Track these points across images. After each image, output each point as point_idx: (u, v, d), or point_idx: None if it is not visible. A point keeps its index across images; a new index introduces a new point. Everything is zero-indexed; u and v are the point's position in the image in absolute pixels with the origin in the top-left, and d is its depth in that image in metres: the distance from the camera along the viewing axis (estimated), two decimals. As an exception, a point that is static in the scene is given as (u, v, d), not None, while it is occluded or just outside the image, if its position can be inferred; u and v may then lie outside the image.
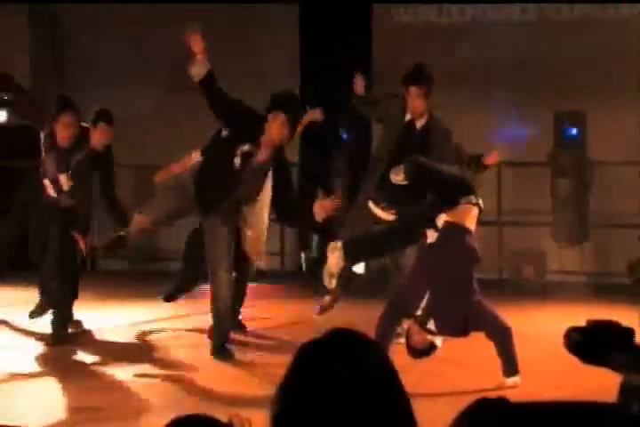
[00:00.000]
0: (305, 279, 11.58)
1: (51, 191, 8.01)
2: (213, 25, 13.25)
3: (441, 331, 6.53)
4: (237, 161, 7.18)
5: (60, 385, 6.79)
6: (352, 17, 12.21)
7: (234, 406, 5.93)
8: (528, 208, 11.78)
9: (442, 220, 6.67)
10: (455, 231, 6.66)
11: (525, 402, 1.85)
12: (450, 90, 11.79)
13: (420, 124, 7.88)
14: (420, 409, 1.94)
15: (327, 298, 8.10)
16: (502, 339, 6.60)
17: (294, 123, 7.21)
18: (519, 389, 6.44)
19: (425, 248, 6.75)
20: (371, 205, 7.85)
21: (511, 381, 6.55)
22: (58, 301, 8.02)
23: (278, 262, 12.70)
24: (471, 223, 6.80)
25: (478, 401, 1.86)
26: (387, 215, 7.76)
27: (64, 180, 8.00)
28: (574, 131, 11.41)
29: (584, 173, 11.53)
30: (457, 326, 6.56)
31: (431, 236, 6.68)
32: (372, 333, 6.89)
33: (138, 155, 13.28)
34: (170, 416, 2.16)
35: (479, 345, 7.06)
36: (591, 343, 1.91)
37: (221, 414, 2.26)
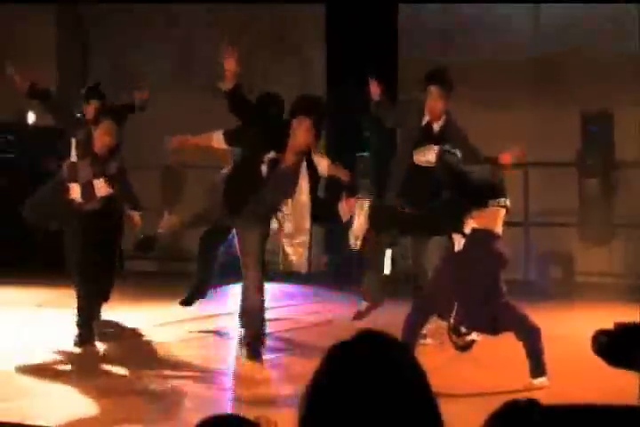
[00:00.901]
0: (331, 281, 11.58)
1: (76, 196, 8.04)
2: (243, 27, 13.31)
3: (471, 330, 6.60)
4: (264, 168, 7.20)
5: (83, 386, 6.80)
6: (378, 18, 12.20)
7: (260, 406, 5.94)
8: (555, 209, 11.74)
9: (469, 226, 6.64)
10: (483, 237, 6.64)
11: (555, 404, 1.85)
12: (474, 89, 11.77)
13: (437, 126, 7.85)
14: (448, 411, 1.93)
15: (364, 304, 8.11)
16: (531, 340, 6.58)
17: (319, 127, 7.21)
18: (544, 390, 6.42)
19: (452, 253, 6.73)
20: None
21: (538, 382, 6.53)
22: (80, 301, 8.05)
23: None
24: (499, 226, 6.77)
25: (509, 403, 1.85)
26: None
27: (101, 185, 8.05)
28: (598, 129, 11.35)
29: (611, 174, 11.47)
30: (486, 327, 6.59)
31: (458, 242, 6.66)
32: (397, 334, 6.88)
33: (162, 158, 13.30)
34: (196, 417, 2.17)
35: (505, 346, 7.03)
36: (618, 346, 1.90)
37: (248, 415, 2.26)
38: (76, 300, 8.05)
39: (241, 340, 7.66)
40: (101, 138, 8.02)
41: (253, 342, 7.35)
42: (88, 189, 8.04)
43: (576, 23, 11.88)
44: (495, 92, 11.90)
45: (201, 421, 2.11)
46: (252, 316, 7.40)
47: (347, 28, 12.27)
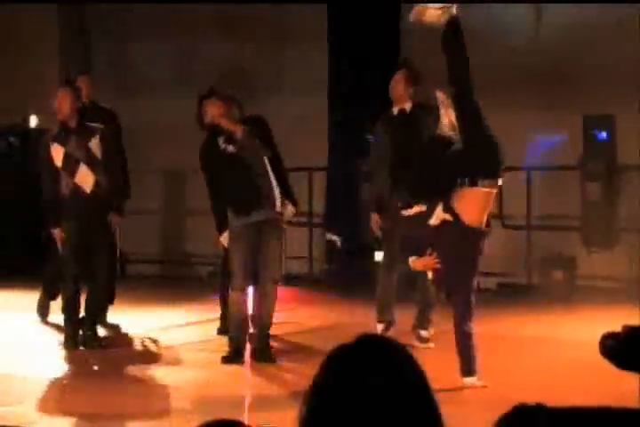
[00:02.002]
0: (332, 283, 11.58)
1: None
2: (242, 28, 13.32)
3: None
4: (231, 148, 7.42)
5: (85, 389, 6.79)
6: (381, 18, 12.19)
7: (262, 409, 5.93)
8: (557, 212, 11.73)
9: (439, 217, 6.42)
10: (455, 232, 6.43)
11: (563, 407, 1.84)
12: (477, 92, 11.75)
13: (407, 108, 7.96)
14: (449, 414, 1.92)
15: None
16: (463, 342, 6.54)
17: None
18: (546, 393, 6.40)
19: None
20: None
21: (467, 381, 6.49)
22: (64, 304, 8.07)
23: (306, 267, 12.71)
24: (483, 210, 6.48)
25: (516, 407, 1.85)
26: (418, 209, 7.79)
27: (85, 172, 7.97)
28: (604, 135, 11.34)
29: (614, 177, 11.46)
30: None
31: (436, 218, 6.44)
32: (400, 335, 6.87)
33: (169, 161, 13.33)
34: (195, 420, 2.15)
35: (507, 351, 7.02)
36: (626, 349, 1.89)
37: (247, 418, 2.25)
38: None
39: (252, 342, 7.64)
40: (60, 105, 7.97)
41: (267, 343, 7.39)
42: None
43: (578, 27, 11.87)
44: (497, 96, 11.88)
45: (201, 425, 2.10)
46: (268, 318, 7.41)
47: (349, 29, 12.26)
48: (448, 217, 6.37)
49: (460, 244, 6.39)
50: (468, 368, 6.48)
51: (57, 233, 7.98)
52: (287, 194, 7.70)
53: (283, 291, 9.95)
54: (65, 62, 14.04)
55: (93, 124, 8.08)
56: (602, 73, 11.59)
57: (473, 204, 6.40)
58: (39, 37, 13.72)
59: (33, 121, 13.43)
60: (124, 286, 10.04)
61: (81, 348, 7.95)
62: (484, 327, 8.53)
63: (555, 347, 7.68)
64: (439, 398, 1.88)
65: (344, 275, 11.86)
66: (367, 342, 1.89)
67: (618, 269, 11.47)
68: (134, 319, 9.20)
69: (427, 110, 7.63)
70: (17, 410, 6.14)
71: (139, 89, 13.69)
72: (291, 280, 11.55)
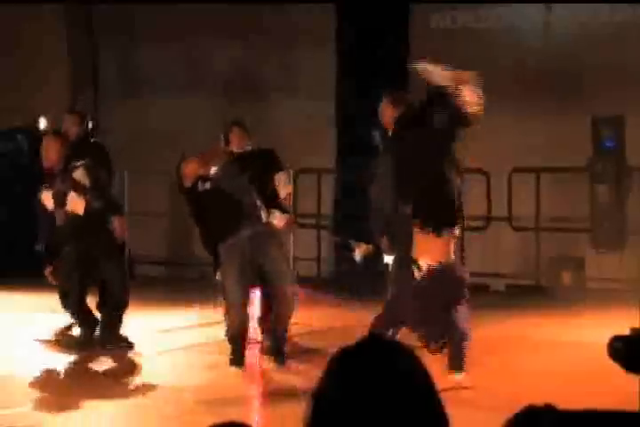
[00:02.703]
0: (340, 286, 11.56)
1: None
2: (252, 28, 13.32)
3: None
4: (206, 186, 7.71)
5: (84, 393, 6.78)
6: (389, 23, 12.18)
7: (269, 411, 5.92)
8: (566, 214, 11.70)
9: (423, 263, 6.60)
10: (441, 272, 6.59)
11: (572, 409, 1.84)
12: (485, 95, 11.74)
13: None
14: (456, 416, 1.91)
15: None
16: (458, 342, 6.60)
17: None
18: (554, 395, 6.38)
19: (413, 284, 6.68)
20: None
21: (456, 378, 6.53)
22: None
23: (315, 268, 12.71)
24: (447, 254, 6.66)
25: (526, 408, 1.84)
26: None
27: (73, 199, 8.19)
28: (611, 142, 11.32)
29: (622, 180, 11.43)
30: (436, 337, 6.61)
31: (417, 274, 6.64)
32: (401, 336, 6.86)
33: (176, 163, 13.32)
34: (204, 422, 2.14)
35: (513, 353, 7.01)
36: (634, 351, 1.88)
37: (255, 420, 2.24)
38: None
39: (268, 345, 7.65)
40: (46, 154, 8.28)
41: (282, 344, 7.42)
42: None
43: (588, 28, 11.85)
44: (506, 98, 11.86)
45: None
46: (286, 319, 7.52)
47: (357, 30, 12.25)
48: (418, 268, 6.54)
49: (440, 285, 6.51)
50: (457, 365, 6.50)
51: (47, 272, 8.35)
52: (275, 206, 7.85)
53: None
54: (73, 63, 14.06)
55: (77, 163, 8.26)
56: (611, 74, 11.57)
57: (434, 249, 6.62)
58: (47, 38, 13.74)
59: (42, 122, 13.45)
60: (131, 287, 10.03)
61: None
62: (493, 328, 8.53)
63: (562, 348, 7.66)
64: (445, 398, 1.87)
65: (352, 276, 11.85)
66: (372, 344, 1.88)
67: (626, 271, 11.45)
68: (141, 321, 9.19)
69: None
70: (21, 412, 6.14)
71: (146, 91, 13.70)
72: (299, 281, 11.52)
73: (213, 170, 7.84)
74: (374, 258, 7.84)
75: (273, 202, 7.95)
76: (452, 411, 1.86)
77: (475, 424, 4.84)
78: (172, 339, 8.63)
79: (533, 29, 12.14)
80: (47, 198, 8.25)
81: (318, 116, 12.62)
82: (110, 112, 14.04)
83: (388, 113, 8.04)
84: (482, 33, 12.37)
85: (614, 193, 11.36)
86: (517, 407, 1.89)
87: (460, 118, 6.87)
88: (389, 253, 7.78)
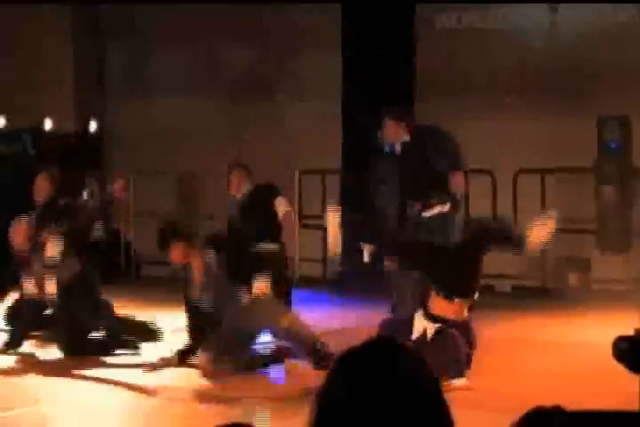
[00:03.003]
0: (346, 287, 11.56)
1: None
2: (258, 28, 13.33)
3: None
4: None
5: (95, 394, 6.81)
6: (394, 23, 12.18)
7: (274, 412, 5.93)
8: (572, 215, 11.68)
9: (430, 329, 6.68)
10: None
11: (579, 410, 1.84)
12: (491, 95, 11.76)
13: (398, 146, 8.40)
14: (461, 418, 1.91)
15: None
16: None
17: None
18: (560, 396, 6.37)
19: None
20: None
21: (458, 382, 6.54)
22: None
23: (320, 269, 12.71)
24: (461, 314, 6.77)
25: (535, 409, 1.84)
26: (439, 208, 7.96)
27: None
28: (616, 143, 11.31)
29: (629, 180, 11.41)
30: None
31: (428, 328, 6.70)
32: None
33: (184, 164, 13.35)
34: (211, 423, 2.15)
35: (522, 355, 7.00)
36: (638, 352, 1.89)
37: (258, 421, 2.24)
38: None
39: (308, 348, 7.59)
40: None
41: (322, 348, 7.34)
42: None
43: (593, 29, 11.84)
44: (510, 97, 11.86)
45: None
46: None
47: (363, 32, 12.24)
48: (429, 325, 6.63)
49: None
50: (457, 370, 6.51)
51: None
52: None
53: (297, 293, 9.98)
54: (78, 64, 14.08)
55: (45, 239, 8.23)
56: (617, 74, 11.56)
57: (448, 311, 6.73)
58: (53, 39, 13.76)
59: (48, 123, 13.46)
60: (138, 287, 10.09)
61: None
62: (499, 330, 8.53)
63: (568, 349, 7.64)
64: (449, 399, 1.87)
65: (358, 277, 11.84)
66: (377, 345, 1.88)
67: (632, 272, 11.44)
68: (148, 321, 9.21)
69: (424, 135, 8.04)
70: (26, 412, 6.15)
71: (152, 91, 13.71)
72: (305, 282, 11.54)
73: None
74: (381, 259, 7.86)
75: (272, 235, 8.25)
76: (456, 412, 1.86)
77: (479, 425, 4.85)
78: (177, 339, 8.62)
79: (538, 30, 12.13)
80: (26, 284, 8.20)
81: (323, 116, 12.63)
82: (116, 113, 14.06)
83: (392, 130, 8.28)
84: (487, 33, 12.36)
85: (620, 194, 11.34)
86: (522, 408, 1.89)
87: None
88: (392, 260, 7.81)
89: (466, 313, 6.81)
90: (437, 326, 6.68)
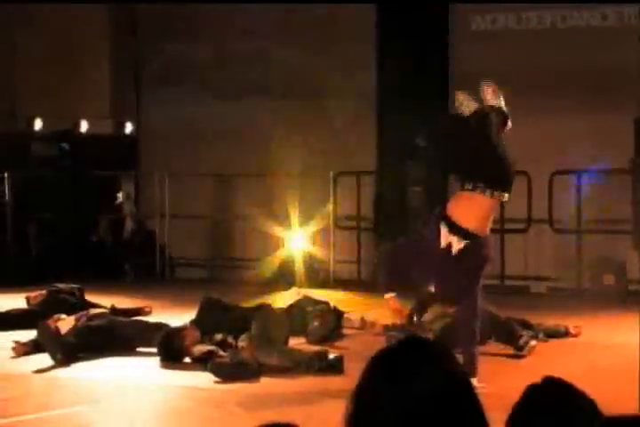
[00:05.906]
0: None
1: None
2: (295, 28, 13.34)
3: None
4: None
5: (142, 394, 6.83)
6: (430, 19, 12.17)
7: (308, 411, 5.93)
8: (608, 216, 11.62)
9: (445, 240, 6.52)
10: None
11: (618, 415, 1.83)
12: (527, 96, 11.70)
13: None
14: (495, 420, 1.91)
15: None
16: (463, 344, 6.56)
17: None
18: (599, 399, 6.33)
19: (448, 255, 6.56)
20: None
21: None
22: None
23: (355, 270, 12.70)
24: (483, 219, 6.47)
25: (544, 379, 1.84)
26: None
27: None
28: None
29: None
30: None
31: (457, 244, 6.51)
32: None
33: (218, 165, 13.38)
34: (245, 424, 2.15)
35: (553, 356, 6.96)
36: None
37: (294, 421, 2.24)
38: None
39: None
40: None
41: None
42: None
43: (631, 28, 11.77)
44: (548, 100, 11.82)
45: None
46: None
47: (398, 31, 12.24)
48: (454, 240, 6.40)
49: (465, 257, 6.40)
50: (469, 369, 6.46)
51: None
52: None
53: (332, 294, 9.98)
54: (116, 65, 14.15)
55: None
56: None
57: (472, 209, 6.41)
58: (91, 41, 13.84)
59: (83, 126, 13.54)
60: (172, 289, 10.11)
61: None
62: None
63: (606, 351, 7.60)
64: (486, 401, 1.87)
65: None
66: (414, 344, 1.88)
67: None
68: (181, 323, 9.23)
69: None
70: (68, 412, 6.19)
71: (188, 92, 13.74)
72: (339, 283, 11.55)
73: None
74: None
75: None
76: (490, 413, 1.86)
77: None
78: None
79: (575, 30, 12.07)
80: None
81: (359, 117, 12.63)
82: (152, 114, 14.11)
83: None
84: (523, 35, 12.32)
85: (657, 194, 11.26)
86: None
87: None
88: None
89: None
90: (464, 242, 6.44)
